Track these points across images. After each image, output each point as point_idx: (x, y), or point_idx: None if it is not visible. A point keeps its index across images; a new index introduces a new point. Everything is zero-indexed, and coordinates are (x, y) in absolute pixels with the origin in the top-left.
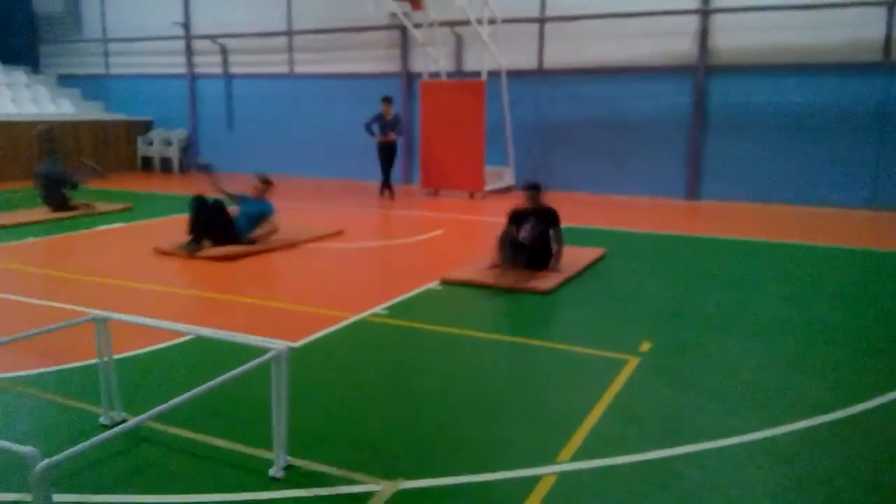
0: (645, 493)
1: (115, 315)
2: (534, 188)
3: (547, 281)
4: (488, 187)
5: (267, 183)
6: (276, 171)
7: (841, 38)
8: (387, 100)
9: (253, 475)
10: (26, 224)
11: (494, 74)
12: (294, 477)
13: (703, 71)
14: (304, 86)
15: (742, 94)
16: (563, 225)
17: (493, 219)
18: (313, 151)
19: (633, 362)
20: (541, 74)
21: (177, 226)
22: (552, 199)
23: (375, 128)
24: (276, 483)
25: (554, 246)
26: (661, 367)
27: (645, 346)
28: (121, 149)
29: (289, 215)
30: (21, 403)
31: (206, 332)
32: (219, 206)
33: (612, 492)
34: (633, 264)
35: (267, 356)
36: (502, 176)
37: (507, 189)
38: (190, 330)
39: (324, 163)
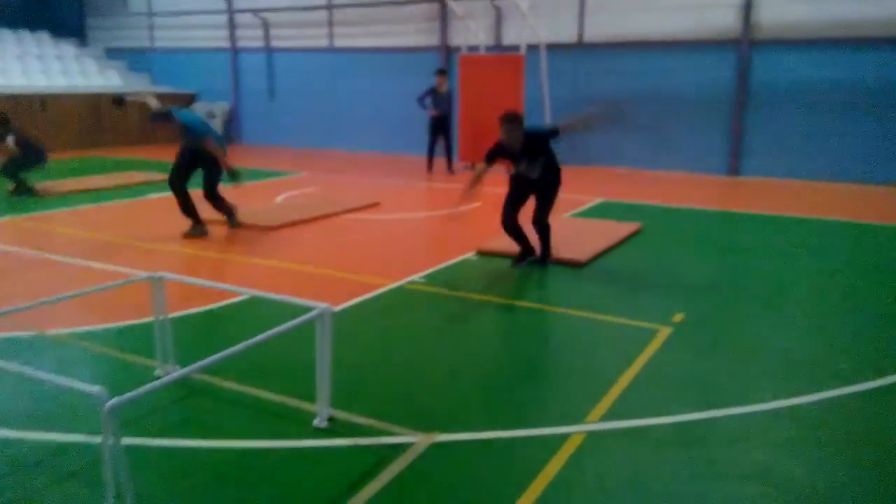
0: (671, 453)
1: (170, 275)
2: (510, 121)
3: (581, 251)
4: None
5: (163, 119)
6: (317, 145)
7: (891, 11)
8: (441, 72)
9: (298, 425)
10: (78, 192)
11: (534, 48)
12: (336, 428)
13: (746, 45)
14: (343, 60)
15: (787, 68)
16: (601, 199)
17: None
18: (352, 125)
19: (665, 332)
20: (580, 48)
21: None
22: (590, 173)
23: (428, 101)
24: (319, 432)
25: (568, 126)
26: (693, 336)
27: (678, 317)
28: None
29: (327, 187)
30: (81, 356)
31: (253, 292)
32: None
33: (638, 451)
34: (669, 238)
35: (311, 314)
36: None
37: None
38: (239, 290)
39: (363, 136)
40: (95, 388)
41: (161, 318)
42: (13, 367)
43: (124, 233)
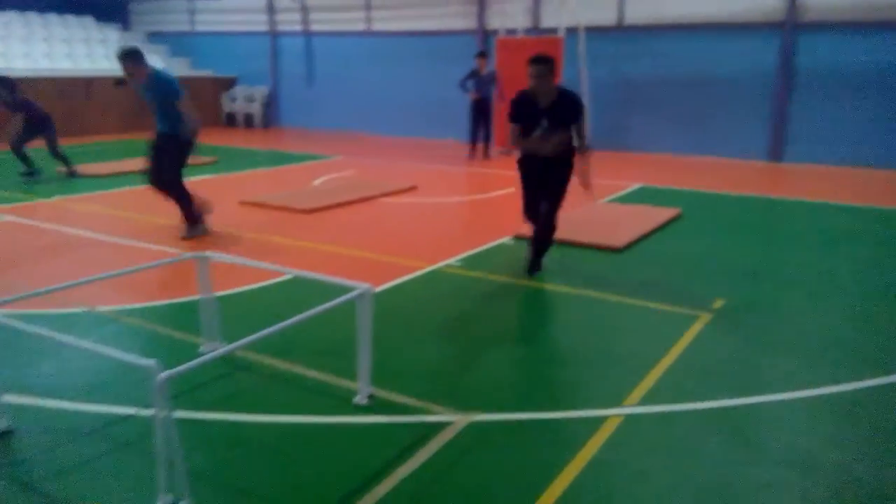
0: (708, 438)
1: (216, 254)
2: (541, 62)
3: (619, 236)
4: None
5: (130, 60)
6: (354, 128)
7: None
8: (482, 55)
9: (339, 402)
10: (122, 174)
11: (572, 31)
12: (376, 405)
13: (791, 28)
14: (381, 44)
15: (833, 52)
16: (639, 184)
17: None
18: (390, 109)
19: (704, 318)
20: (620, 31)
21: (259, 179)
22: (628, 159)
23: (470, 84)
24: (360, 409)
25: (578, 148)
26: (733, 323)
27: (718, 304)
28: (207, 105)
29: (364, 171)
30: (128, 332)
31: (297, 272)
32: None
33: (675, 434)
34: (709, 224)
35: (353, 293)
36: None
37: None
38: (283, 270)
39: (400, 120)
40: (149, 361)
41: (207, 296)
42: (71, 340)
43: (167, 214)
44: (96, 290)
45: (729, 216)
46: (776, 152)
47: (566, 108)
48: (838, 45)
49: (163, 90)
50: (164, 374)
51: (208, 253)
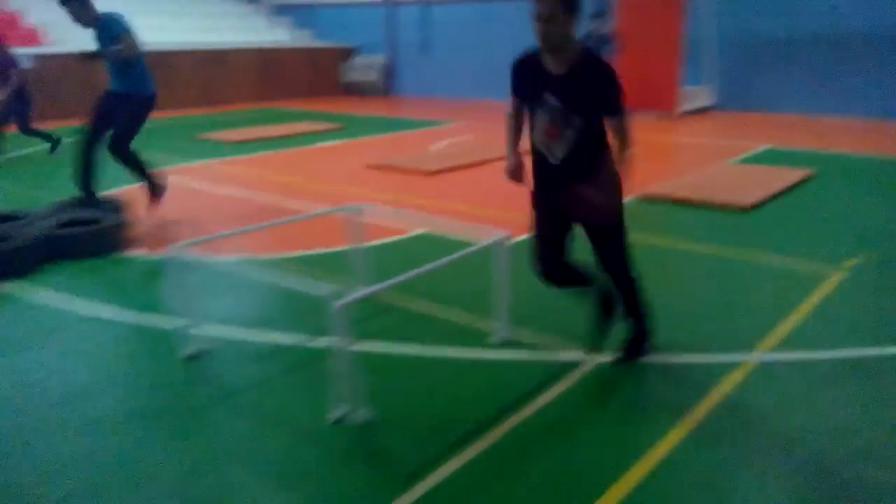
0: (840, 384)
1: (367, 205)
2: None
3: (747, 196)
4: (682, 108)
5: (74, 1)
6: (470, 95)
7: None
8: (596, 15)
9: (477, 339)
10: (256, 140)
11: None
12: (512, 344)
13: None
14: (494, 8)
15: None
16: (767, 146)
17: (688, 139)
18: (505, 75)
19: (837, 275)
20: None
21: (380, 144)
22: (754, 119)
23: None
24: (496, 347)
25: (619, 151)
26: (867, 281)
27: (851, 262)
28: (328, 74)
29: (482, 136)
30: (284, 278)
31: (441, 224)
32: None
33: (807, 380)
34: (842, 186)
35: (491, 240)
36: (698, 96)
37: (704, 110)
38: (427, 221)
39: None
40: (326, 289)
41: (358, 245)
42: (261, 276)
43: (304, 175)
44: (250, 240)
45: (865, 178)
46: None
47: (588, 83)
48: None
49: (109, 32)
50: (342, 302)
51: (370, 204)
